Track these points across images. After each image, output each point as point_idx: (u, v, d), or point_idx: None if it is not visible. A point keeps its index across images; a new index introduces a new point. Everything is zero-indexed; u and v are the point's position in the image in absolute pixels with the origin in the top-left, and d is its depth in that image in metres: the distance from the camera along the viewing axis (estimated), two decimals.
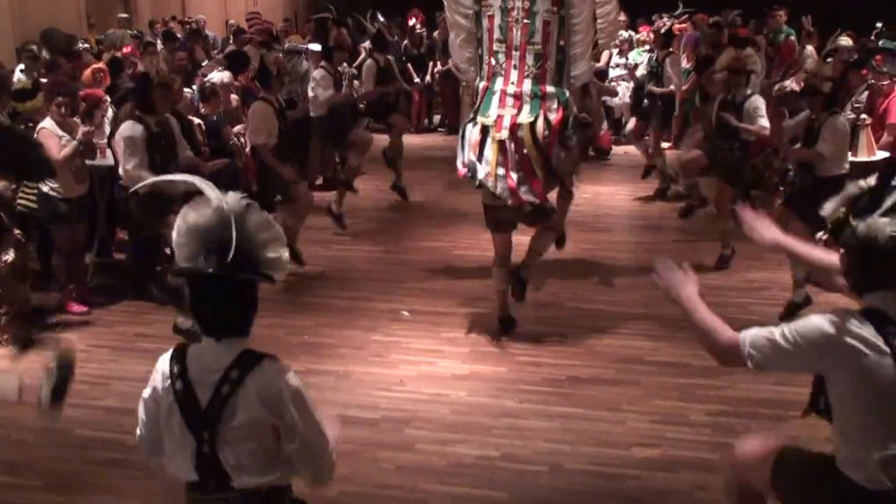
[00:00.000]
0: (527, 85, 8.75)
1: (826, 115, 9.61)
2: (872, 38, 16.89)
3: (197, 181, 3.85)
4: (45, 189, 9.68)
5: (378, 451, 7.23)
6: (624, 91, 18.28)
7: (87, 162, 10.02)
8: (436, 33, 20.18)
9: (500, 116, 8.76)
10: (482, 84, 9.00)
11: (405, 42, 20.10)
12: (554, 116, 8.69)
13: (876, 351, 3.80)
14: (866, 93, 11.66)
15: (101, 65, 12.40)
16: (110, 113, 10.96)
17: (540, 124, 8.65)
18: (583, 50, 8.83)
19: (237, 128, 12.46)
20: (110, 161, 10.32)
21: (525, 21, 8.66)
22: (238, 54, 14.28)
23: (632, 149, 17.84)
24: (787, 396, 7.98)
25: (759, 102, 11.02)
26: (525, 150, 8.67)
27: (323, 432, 3.99)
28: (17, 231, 9.32)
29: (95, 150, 10.17)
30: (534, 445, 7.29)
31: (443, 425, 7.64)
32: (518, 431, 7.52)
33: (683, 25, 18.18)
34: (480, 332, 9.44)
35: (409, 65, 19.60)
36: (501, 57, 8.82)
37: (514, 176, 8.74)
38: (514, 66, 8.78)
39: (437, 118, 20.86)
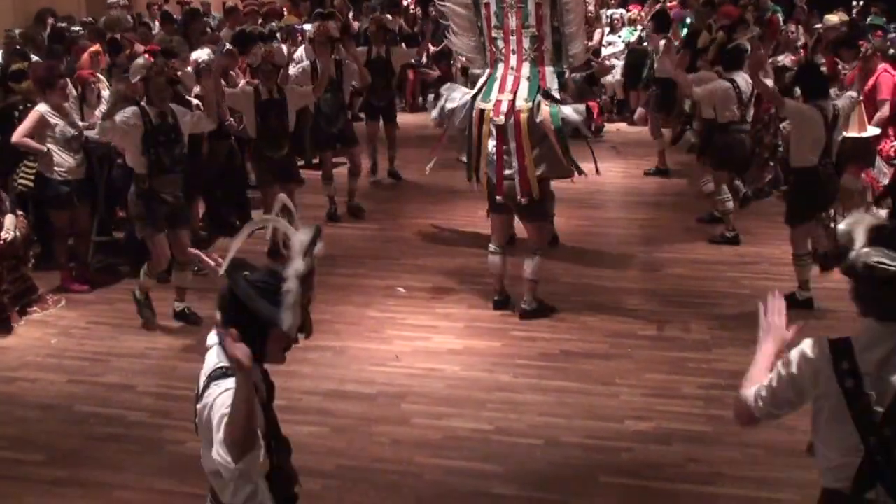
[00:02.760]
0: (525, 68, 8.90)
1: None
2: (855, 14, 16.94)
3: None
4: (47, 174, 9.76)
5: (374, 425, 7.32)
6: (617, 68, 18.33)
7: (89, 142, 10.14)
8: (431, 9, 20.16)
9: (498, 101, 8.92)
10: (486, 71, 9.16)
11: (400, 21, 20.08)
12: (555, 96, 8.85)
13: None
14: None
15: (96, 47, 12.41)
16: (106, 93, 10.99)
17: (543, 109, 8.74)
18: (576, 29, 8.91)
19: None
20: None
21: (518, 6, 8.76)
22: (243, 34, 14.22)
23: (624, 126, 17.94)
24: None
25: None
26: (522, 137, 8.81)
27: None
28: (20, 212, 9.40)
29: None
30: (528, 419, 7.38)
31: (438, 400, 7.73)
32: (512, 405, 7.61)
33: (673, 3, 18.19)
34: (475, 307, 9.53)
35: (403, 44, 19.61)
36: (500, 43, 8.96)
37: (506, 168, 8.95)
38: (513, 51, 8.91)
39: (431, 97, 20.83)
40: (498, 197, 9.15)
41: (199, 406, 3.76)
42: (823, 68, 11.62)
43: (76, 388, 8.04)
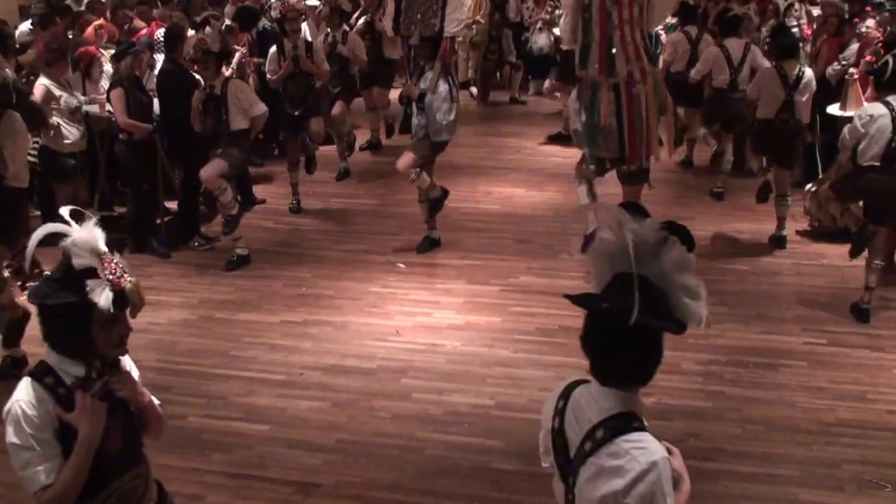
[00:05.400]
0: (637, 35, 8.97)
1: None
2: None
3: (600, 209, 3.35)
4: (53, 147, 9.76)
5: (375, 400, 7.35)
6: None
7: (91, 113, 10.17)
8: None
9: (629, 72, 8.97)
10: (593, 44, 9.12)
11: None
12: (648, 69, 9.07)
13: None
14: (854, 47, 11.71)
15: (100, 21, 12.39)
16: (108, 68, 10.97)
17: (649, 79, 8.98)
18: None
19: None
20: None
21: None
22: (246, 10, 14.11)
23: None
24: (776, 345, 8.13)
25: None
26: (650, 103, 8.98)
27: None
28: None
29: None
30: (528, 394, 7.40)
31: (438, 375, 7.76)
32: (512, 380, 7.64)
33: None
34: (475, 283, 9.53)
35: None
36: (615, 17, 8.99)
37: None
38: (626, 21, 8.98)
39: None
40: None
41: (591, 469, 3.15)
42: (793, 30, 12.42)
43: None
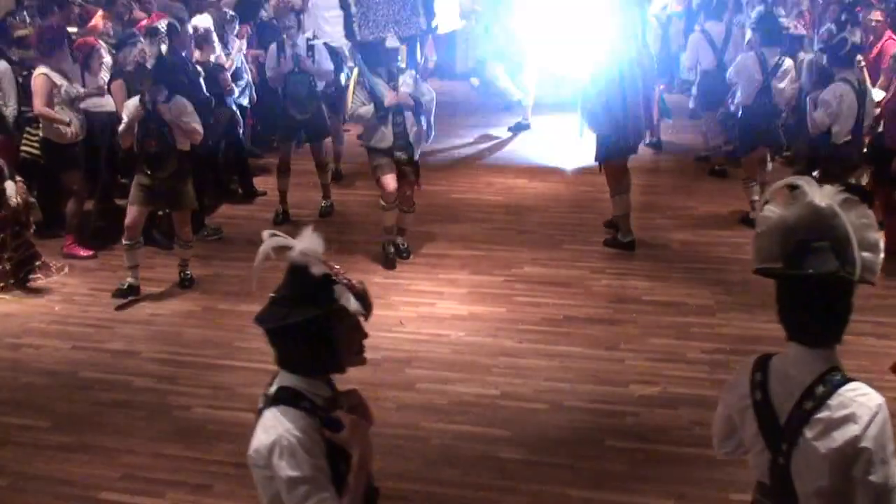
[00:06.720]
0: None
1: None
2: None
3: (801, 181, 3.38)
4: (55, 139, 9.74)
5: (380, 390, 7.32)
6: None
7: (90, 109, 10.13)
8: None
9: None
10: None
11: None
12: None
13: None
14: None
15: (102, 12, 12.37)
16: (107, 58, 10.93)
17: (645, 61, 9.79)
18: None
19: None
20: (110, 107, 10.33)
21: None
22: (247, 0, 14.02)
23: None
24: (781, 334, 8.01)
25: None
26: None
27: None
28: (18, 178, 9.38)
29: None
30: (533, 384, 7.40)
31: (443, 365, 7.75)
32: (517, 370, 7.63)
33: None
34: (478, 273, 9.53)
35: None
36: None
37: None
38: None
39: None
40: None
41: (820, 425, 3.27)
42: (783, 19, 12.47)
43: (81, 355, 8.05)
